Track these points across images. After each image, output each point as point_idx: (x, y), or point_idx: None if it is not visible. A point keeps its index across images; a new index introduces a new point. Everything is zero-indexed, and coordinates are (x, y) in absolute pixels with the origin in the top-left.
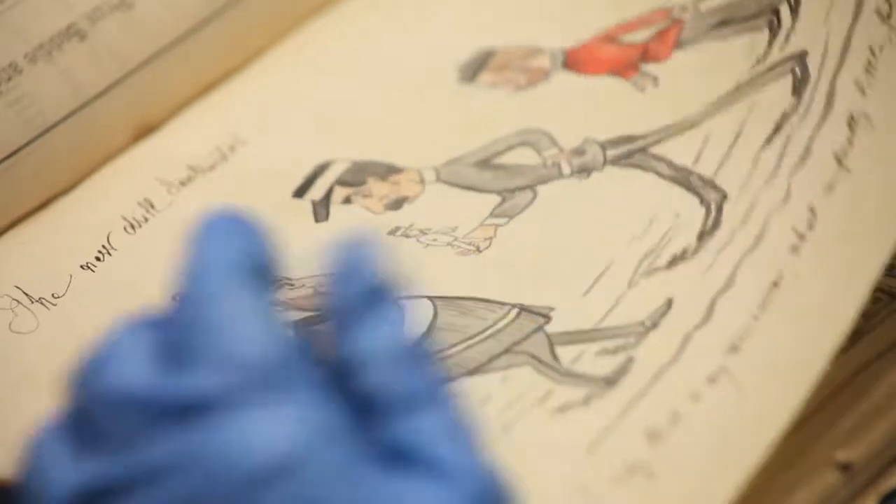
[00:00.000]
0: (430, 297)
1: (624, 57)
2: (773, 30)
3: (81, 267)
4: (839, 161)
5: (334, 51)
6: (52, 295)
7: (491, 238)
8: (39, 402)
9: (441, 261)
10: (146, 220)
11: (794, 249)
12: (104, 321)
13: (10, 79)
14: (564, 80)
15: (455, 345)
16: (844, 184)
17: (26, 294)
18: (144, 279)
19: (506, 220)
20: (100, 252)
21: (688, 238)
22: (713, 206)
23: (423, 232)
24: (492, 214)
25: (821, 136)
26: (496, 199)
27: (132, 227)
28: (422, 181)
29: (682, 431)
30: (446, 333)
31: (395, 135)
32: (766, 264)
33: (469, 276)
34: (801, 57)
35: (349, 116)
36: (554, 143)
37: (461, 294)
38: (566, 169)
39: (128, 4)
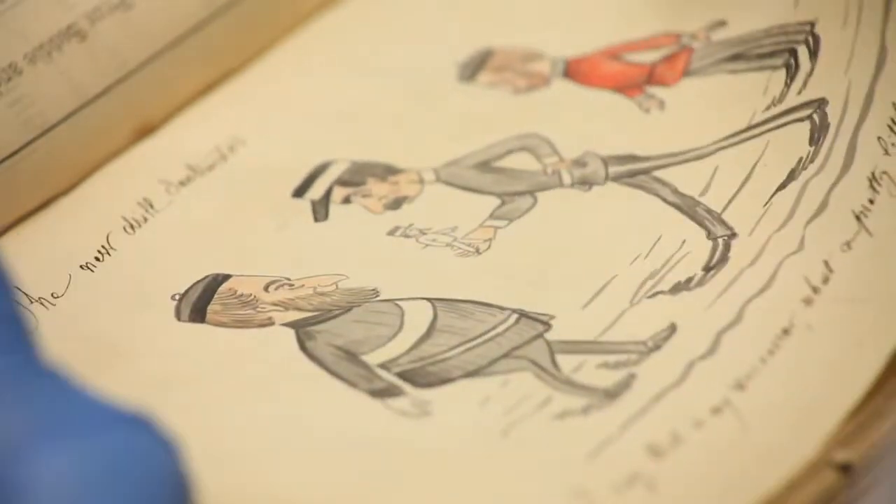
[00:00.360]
0: (429, 299)
1: (628, 75)
2: (791, 72)
3: (81, 267)
4: (859, 220)
5: (334, 50)
6: (52, 295)
7: (490, 240)
8: None
9: (440, 261)
10: (145, 219)
11: (808, 301)
12: (103, 321)
13: (9, 79)
14: (565, 89)
15: (455, 346)
16: (865, 246)
17: (26, 294)
18: (144, 279)
19: (505, 222)
20: (99, 252)
21: (693, 268)
22: (720, 242)
23: (422, 232)
24: (491, 216)
25: (839, 190)
26: (496, 201)
27: (131, 227)
28: (421, 181)
29: (683, 453)
30: (446, 335)
31: (394, 135)
32: (777, 310)
33: (468, 277)
34: (821, 105)
35: (348, 116)
36: (554, 150)
37: (460, 296)
38: (567, 179)
39: (127, 5)
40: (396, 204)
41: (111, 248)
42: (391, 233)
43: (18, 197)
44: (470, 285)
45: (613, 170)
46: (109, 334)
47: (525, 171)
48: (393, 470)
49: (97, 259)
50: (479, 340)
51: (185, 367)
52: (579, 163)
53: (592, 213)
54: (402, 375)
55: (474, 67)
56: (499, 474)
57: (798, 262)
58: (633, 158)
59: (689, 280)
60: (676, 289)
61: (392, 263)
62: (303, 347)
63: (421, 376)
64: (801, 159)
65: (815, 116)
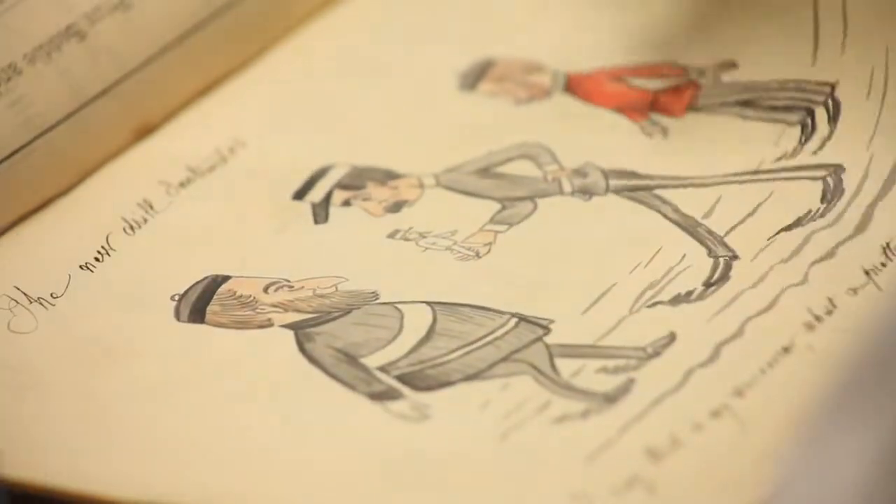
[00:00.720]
0: (428, 303)
1: (631, 97)
2: (806, 131)
3: (80, 267)
4: (868, 275)
5: (333, 53)
6: (51, 295)
7: (490, 244)
8: (38, 402)
9: (440, 265)
10: (145, 221)
11: (810, 327)
12: (102, 322)
13: (9, 79)
14: (566, 103)
15: (454, 350)
16: (873, 297)
17: (25, 294)
18: (143, 280)
19: (506, 227)
20: (99, 253)
21: (693, 282)
22: (722, 262)
23: (422, 235)
24: (492, 220)
25: (849, 247)
26: (496, 205)
27: (131, 228)
28: (421, 186)
29: (682, 456)
30: (445, 339)
31: (395, 140)
32: (778, 330)
33: (468, 281)
34: (837, 171)
35: (349, 120)
36: (555, 159)
37: (459, 299)
38: (567, 187)
39: (127, 5)
40: (396, 207)
41: (111, 248)
42: (391, 236)
43: (18, 197)
44: (469, 289)
45: (614, 182)
46: (108, 335)
47: (525, 178)
48: (391, 473)
49: (97, 259)
50: (479, 344)
51: (184, 367)
52: (580, 172)
53: (592, 221)
54: (402, 378)
55: (475, 77)
56: (498, 478)
57: (800, 293)
58: (634, 175)
59: (690, 293)
60: (676, 300)
61: (392, 266)
62: (302, 349)
63: (420, 379)
64: (809, 211)
65: (830, 180)
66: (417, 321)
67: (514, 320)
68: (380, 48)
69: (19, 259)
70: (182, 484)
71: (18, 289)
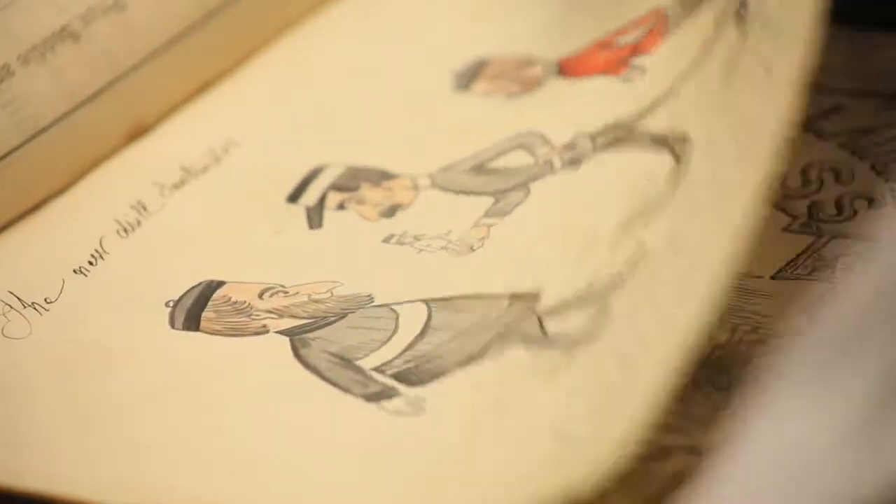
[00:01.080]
0: (424, 301)
1: (616, 57)
2: None
3: (74, 271)
4: (768, 71)
5: (328, 54)
6: (45, 300)
7: (484, 238)
8: (32, 407)
9: (435, 264)
10: (139, 223)
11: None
12: (97, 327)
13: (2, 81)
14: (557, 86)
15: (448, 341)
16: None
17: (19, 299)
18: (137, 284)
19: (499, 219)
20: (93, 256)
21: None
22: (681, 158)
23: (416, 238)
24: (485, 215)
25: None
26: (490, 200)
27: (125, 230)
28: (415, 187)
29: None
30: (440, 332)
31: (389, 141)
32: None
33: (463, 275)
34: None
35: (343, 121)
36: (547, 142)
37: (454, 293)
38: (557, 164)
39: (121, 6)
40: (391, 211)
41: (104, 252)
42: (386, 240)
43: (11, 199)
44: (464, 282)
45: (600, 140)
46: (103, 340)
47: (519, 168)
48: (388, 472)
49: (90, 263)
50: (473, 330)
51: (179, 374)
52: (570, 146)
53: (580, 188)
54: (397, 376)
55: (470, 76)
56: (494, 454)
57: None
58: (615, 125)
59: (658, 200)
60: (649, 218)
61: (387, 270)
62: (297, 355)
63: (415, 375)
64: (731, 45)
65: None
66: (413, 320)
67: (507, 301)
68: (374, 48)
69: (13, 263)
70: (177, 490)
71: (12, 293)
